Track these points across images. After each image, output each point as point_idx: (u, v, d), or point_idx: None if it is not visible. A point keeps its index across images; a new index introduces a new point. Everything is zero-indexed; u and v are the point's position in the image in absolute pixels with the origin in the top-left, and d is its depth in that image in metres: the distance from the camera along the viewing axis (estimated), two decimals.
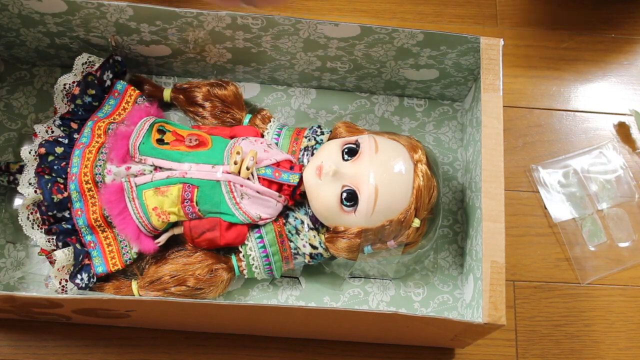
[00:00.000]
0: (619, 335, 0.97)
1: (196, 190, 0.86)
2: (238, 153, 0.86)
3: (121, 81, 0.93)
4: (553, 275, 0.99)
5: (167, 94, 0.97)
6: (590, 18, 1.12)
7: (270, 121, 0.95)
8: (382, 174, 0.84)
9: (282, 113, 1.01)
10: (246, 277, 0.90)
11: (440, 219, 0.92)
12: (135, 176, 0.87)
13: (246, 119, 0.95)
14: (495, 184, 0.83)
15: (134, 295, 0.88)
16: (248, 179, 0.86)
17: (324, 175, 0.85)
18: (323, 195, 0.86)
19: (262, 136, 0.93)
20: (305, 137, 0.93)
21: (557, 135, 1.03)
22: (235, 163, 0.85)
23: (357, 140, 0.87)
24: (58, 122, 0.90)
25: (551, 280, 0.98)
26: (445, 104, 1.02)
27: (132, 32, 0.91)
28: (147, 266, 0.90)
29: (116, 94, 0.93)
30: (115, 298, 0.77)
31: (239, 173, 0.86)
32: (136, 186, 0.86)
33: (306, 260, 0.90)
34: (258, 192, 0.87)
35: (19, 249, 0.92)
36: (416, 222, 0.86)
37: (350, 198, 0.85)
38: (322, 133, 0.93)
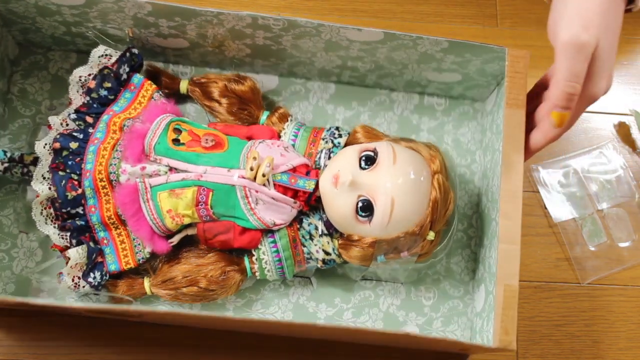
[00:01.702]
0: (619, 335, 0.97)
1: (211, 193, 0.86)
2: (254, 158, 0.85)
3: (138, 75, 0.92)
4: (553, 275, 0.99)
5: (183, 86, 0.95)
6: None
7: (287, 120, 0.93)
8: (399, 186, 0.83)
9: (300, 108, 0.99)
10: (258, 278, 0.90)
11: (455, 225, 0.91)
12: (150, 176, 0.86)
13: (263, 116, 0.94)
14: (514, 205, 0.82)
15: (145, 294, 0.89)
16: (264, 185, 0.85)
17: (340, 185, 0.84)
18: (338, 204, 0.85)
19: (279, 136, 0.92)
20: (323, 139, 0.91)
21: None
22: (252, 169, 0.84)
23: (375, 149, 0.86)
24: (73, 115, 0.89)
25: (551, 280, 0.99)
26: (466, 104, 1.00)
27: (150, 26, 0.89)
28: (159, 265, 0.90)
29: (132, 88, 0.91)
30: (129, 309, 0.78)
31: (254, 179, 0.85)
32: (151, 187, 0.86)
33: (319, 265, 0.90)
34: (273, 198, 0.86)
35: (31, 239, 0.92)
36: (431, 235, 0.86)
37: (366, 208, 0.84)
38: (340, 135, 0.91)
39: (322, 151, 0.90)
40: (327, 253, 0.89)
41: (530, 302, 0.97)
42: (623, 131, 1.06)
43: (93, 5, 0.85)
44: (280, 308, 0.93)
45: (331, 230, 0.89)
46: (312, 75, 0.98)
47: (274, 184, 0.86)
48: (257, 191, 0.85)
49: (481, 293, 0.90)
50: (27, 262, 0.92)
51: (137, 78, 0.91)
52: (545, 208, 1.01)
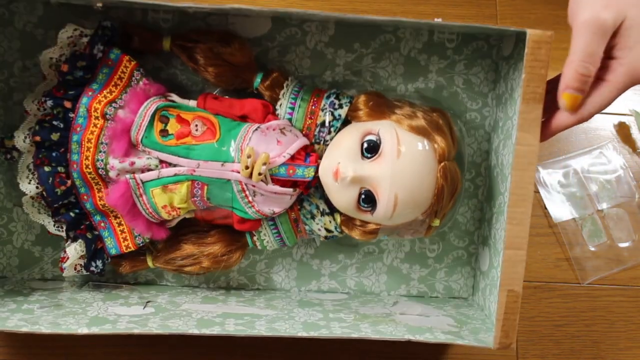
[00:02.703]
0: (619, 336, 0.99)
1: (206, 187, 0.82)
2: (249, 156, 0.79)
3: (114, 50, 0.82)
4: (553, 275, 0.98)
5: (166, 45, 0.85)
6: None
7: (283, 87, 0.85)
8: (403, 180, 0.79)
9: (297, 54, 0.89)
10: (259, 248, 0.89)
11: (463, 180, 0.88)
12: (141, 171, 0.82)
13: (257, 79, 0.85)
14: (523, 208, 0.79)
15: (149, 268, 0.89)
16: (261, 181, 0.81)
17: (340, 180, 0.80)
18: (339, 196, 0.82)
19: (275, 110, 0.85)
20: (322, 110, 0.84)
21: (557, 135, 0.94)
22: (247, 167, 0.80)
23: (378, 133, 0.80)
24: (50, 102, 0.82)
25: (551, 280, 0.98)
26: (480, 38, 0.90)
27: (123, 5, 0.78)
28: (160, 245, 0.89)
29: (110, 63, 0.82)
30: (134, 333, 0.78)
31: (250, 177, 0.81)
32: (142, 183, 0.82)
33: (321, 239, 0.88)
34: (272, 192, 0.82)
35: (27, 211, 0.90)
36: (436, 222, 0.83)
37: (368, 200, 0.81)
38: (341, 106, 0.84)
39: (321, 124, 0.84)
40: (329, 230, 0.87)
41: (530, 302, 0.97)
42: (623, 131, 1.01)
43: None
44: (284, 267, 0.93)
45: (333, 207, 0.86)
46: (309, 22, 0.88)
47: (272, 178, 0.82)
48: (254, 185, 0.81)
49: (485, 254, 0.89)
50: (27, 235, 0.91)
51: (114, 54, 0.82)
52: (545, 208, 0.99)
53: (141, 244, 0.87)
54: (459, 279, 0.94)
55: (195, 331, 0.79)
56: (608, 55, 0.73)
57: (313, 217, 0.86)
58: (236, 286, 0.94)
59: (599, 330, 0.99)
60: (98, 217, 0.86)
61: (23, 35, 0.87)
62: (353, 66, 0.90)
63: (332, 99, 0.84)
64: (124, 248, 0.87)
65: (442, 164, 0.81)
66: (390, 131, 0.80)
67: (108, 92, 0.82)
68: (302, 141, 0.83)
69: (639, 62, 0.72)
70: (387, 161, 0.79)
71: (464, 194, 0.93)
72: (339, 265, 0.94)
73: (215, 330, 0.79)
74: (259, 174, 0.79)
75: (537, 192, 1.00)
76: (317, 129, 0.84)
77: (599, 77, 0.74)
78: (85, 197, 0.84)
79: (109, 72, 0.82)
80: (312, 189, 0.86)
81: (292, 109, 0.84)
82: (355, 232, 0.85)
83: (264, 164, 0.79)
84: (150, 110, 0.81)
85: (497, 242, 0.84)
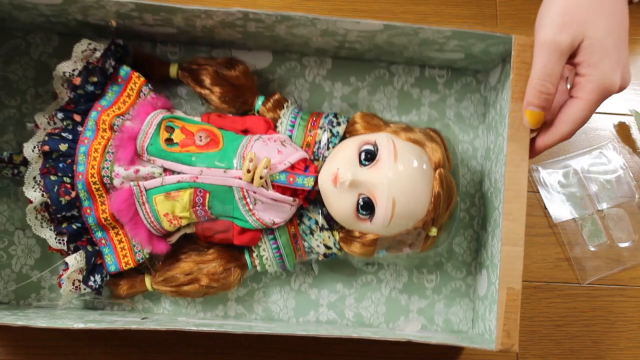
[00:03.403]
0: (619, 336, 0.98)
1: (208, 195, 0.83)
2: (251, 160, 0.82)
3: (124, 67, 0.87)
4: (553, 276, 0.99)
5: (173, 71, 0.90)
6: None
7: (283, 107, 0.89)
8: (401, 186, 0.81)
9: (296, 86, 0.95)
10: (259, 271, 0.90)
11: (458, 207, 0.90)
12: (145, 179, 0.84)
13: (259, 101, 0.90)
14: (518, 205, 0.81)
15: (147, 291, 0.88)
16: (262, 186, 0.83)
17: (339, 185, 0.82)
18: (338, 203, 0.83)
19: (275, 127, 0.89)
20: (321, 128, 0.88)
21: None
22: (248, 171, 0.82)
23: (375, 142, 0.83)
24: (60, 115, 0.85)
25: (551, 280, 0.99)
26: (468, 74, 0.96)
27: (135, 19, 0.84)
28: (160, 263, 0.89)
29: (119, 80, 0.87)
30: (131, 328, 0.77)
31: (251, 181, 0.83)
32: (146, 190, 0.83)
33: (320, 259, 0.89)
34: (272, 199, 0.84)
35: (28, 235, 0.91)
36: (433, 231, 0.84)
37: (367, 207, 0.82)
38: (339, 123, 0.88)
39: (320, 141, 0.87)
40: (328, 247, 0.88)
41: (530, 302, 0.97)
42: (623, 131, 1.03)
43: (72, 4, 0.80)
44: (282, 296, 0.93)
45: (332, 223, 0.87)
46: (307, 51, 0.94)
47: (272, 185, 0.84)
48: (255, 192, 0.83)
49: (484, 278, 0.89)
50: (27, 259, 0.91)
51: (124, 70, 0.87)
52: (545, 208, 1.00)
53: (140, 261, 0.87)
54: (458, 311, 0.94)
55: (192, 328, 0.78)
56: (577, 73, 0.77)
57: (312, 233, 0.87)
58: (234, 315, 0.92)
59: (599, 330, 0.98)
60: (99, 234, 0.86)
61: (38, 64, 0.92)
62: (349, 98, 0.95)
63: (330, 117, 0.88)
64: (124, 265, 0.87)
65: (438, 170, 0.83)
66: (387, 140, 0.83)
67: (117, 107, 0.86)
68: (301, 154, 0.86)
69: (605, 77, 0.75)
70: (384, 166, 0.82)
71: (459, 224, 0.94)
72: (337, 295, 0.93)
73: (213, 328, 0.78)
74: (260, 177, 0.82)
75: (537, 192, 1.00)
76: (316, 146, 0.87)
77: (573, 94, 0.77)
78: (88, 210, 0.85)
79: (119, 89, 0.87)
80: (310, 206, 0.87)
81: (292, 126, 0.88)
82: (355, 246, 0.86)
83: (265, 167, 0.82)
84: (157, 119, 0.85)
85: (494, 257, 0.85)
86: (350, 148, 0.84)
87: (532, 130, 0.81)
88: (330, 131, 0.87)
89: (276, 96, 0.90)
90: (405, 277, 0.94)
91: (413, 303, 0.94)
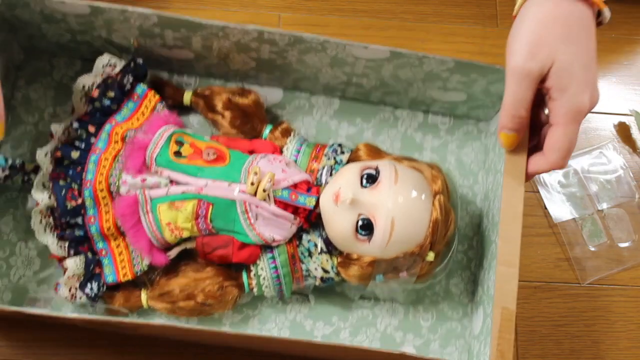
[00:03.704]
0: (620, 336, 0.97)
1: (211, 207, 0.85)
2: (256, 173, 0.84)
3: (141, 84, 0.91)
4: (553, 276, 0.99)
5: (187, 98, 0.94)
6: None
7: (290, 135, 0.93)
8: (400, 206, 0.83)
9: (304, 123, 0.98)
10: (255, 294, 0.90)
11: (456, 247, 0.90)
12: (150, 188, 0.86)
13: (266, 129, 0.93)
14: (514, 226, 0.82)
15: (142, 307, 0.88)
16: (264, 200, 0.85)
17: (340, 203, 0.83)
18: (338, 222, 0.84)
19: (281, 152, 0.92)
20: (325, 156, 0.91)
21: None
22: (252, 184, 0.84)
23: (377, 167, 0.86)
24: (75, 124, 0.89)
25: (551, 280, 0.99)
26: (470, 123, 1.00)
27: (156, 37, 0.89)
28: (157, 278, 0.89)
29: (135, 98, 0.91)
30: (124, 321, 0.77)
31: (255, 194, 0.85)
32: (151, 199, 0.85)
33: (317, 283, 0.89)
34: (273, 214, 0.85)
35: (30, 247, 0.92)
36: (430, 256, 0.85)
37: (366, 227, 0.83)
38: (343, 152, 0.91)
39: (323, 168, 0.90)
40: (325, 271, 0.88)
41: (530, 302, 0.97)
42: (623, 131, 1.06)
43: (99, 15, 0.85)
44: (277, 325, 0.92)
45: (330, 247, 0.88)
46: (316, 90, 0.98)
47: (275, 200, 0.86)
48: (257, 206, 0.85)
49: (479, 315, 0.89)
50: (25, 270, 0.91)
51: (141, 88, 0.91)
52: (545, 208, 1.02)
53: (139, 273, 0.88)
54: (453, 352, 0.93)
55: (186, 325, 0.77)
56: (549, 97, 0.78)
57: (310, 255, 0.88)
58: None
59: (599, 330, 0.97)
60: (100, 244, 0.87)
61: (59, 86, 0.96)
62: (354, 138, 0.98)
63: (335, 147, 0.91)
64: (122, 276, 0.87)
65: (438, 197, 0.85)
66: (388, 165, 0.86)
67: (130, 123, 0.89)
68: (305, 176, 0.88)
69: (574, 100, 0.77)
70: (384, 188, 0.84)
71: (457, 265, 0.95)
72: (332, 328, 0.93)
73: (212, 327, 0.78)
74: (264, 190, 0.84)
75: (537, 192, 1.02)
76: (320, 172, 0.90)
77: (550, 122, 0.79)
78: (92, 219, 0.86)
79: (134, 106, 0.91)
80: (310, 229, 0.89)
81: (298, 152, 0.91)
82: (352, 269, 0.86)
83: (269, 181, 0.84)
84: (167, 132, 0.88)
85: (490, 289, 0.85)
86: (352, 171, 0.86)
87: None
88: (334, 159, 0.90)
89: (284, 125, 0.94)
90: (401, 314, 0.94)
91: (408, 341, 0.93)
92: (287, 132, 0.93)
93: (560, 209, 1.02)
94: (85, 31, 0.90)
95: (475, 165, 0.99)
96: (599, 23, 0.81)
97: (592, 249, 1.00)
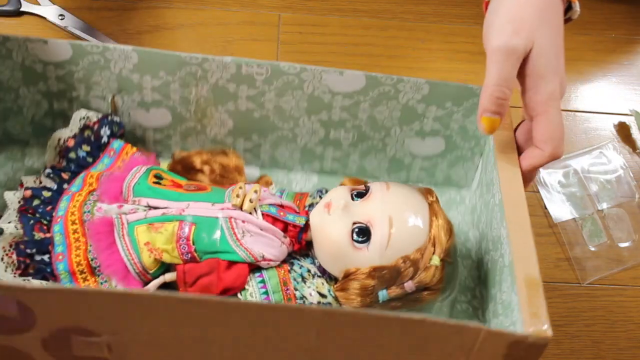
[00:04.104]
0: (619, 336, 0.92)
1: (193, 227, 0.79)
2: (240, 187, 0.80)
3: (118, 140, 0.90)
4: (553, 275, 0.95)
5: (164, 166, 0.92)
6: (590, 18, 1.16)
7: (271, 184, 0.91)
8: (396, 206, 0.79)
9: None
10: None
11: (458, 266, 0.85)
12: (127, 214, 0.80)
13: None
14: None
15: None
16: (251, 213, 0.80)
17: (333, 209, 0.79)
18: (332, 232, 0.79)
19: None
20: (310, 196, 0.88)
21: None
22: (238, 196, 0.80)
23: (366, 184, 0.83)
24: (48, 171, 0.85)
25: (551, 280, 0.94)
26: (452, 191, 0.99)
27: (134, 90, 0.90)
28: None
29: (112, 153, 0.89)
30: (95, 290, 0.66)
31: (241, 208, 0.80)
32: (128, 223, 0.79)
33: None
34: (261, 228, 0.80)
35: None
36: (435, 260, 0.79)
37: (362, 233, 0.78)
38: (327, 191, 0.88)
39: (310, 205, 0.86)
40: (322, 295, 0.80)
41: None
42: (623, 131, 1.07)
43: (79, 60, 0.87)
44: None
45: (325, 275, 0.81)
46: (294, 161, 0.97)
47: (262, 215, 0.80)
48: (244, 221, 0.80)
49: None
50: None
51: (118, 143, 0.89)
52: (545, 208, 0.99)
53: None
54: None
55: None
56: (524, 89, 0.79)
57: (304, 281, 0.80)
58: None
59: (599, 330, 0.91)
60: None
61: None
62: None
63: (319, 189, 0.89)
64: None
65: (433, 204, 0.82)
66: (377, 182, 0.83)
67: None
68: (293, 205, 0.84)
69: (551, 89, 0.77)
70: (377, 196, 0.81)
71: (463, 315, 0.87)
72: None
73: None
74: (250, 200, 0.79)
75: (537, 192, 0.98)
76: (305, 209, 0.86)
77: (530, 114, 0.79)
78: (60, 257, 0.79)
79: (110, 161, 0.88)
80: (301, 257, 0.82)
81: (281, 194, 0.88)
82: (352, 287, 0.78)
83: (255, 192, 0.80)
84: (146, 166, 0.85)
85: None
86: (341, 189, 0.83)
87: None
88: (320, 197, 0.87)
89: (265, 177, 0.92)
90: None
91: None
92: (267, 184, 0.91)
93: (560, 209, 1.00)
94: (64, 93, 0.91)
95: (463, 225, 0.96)
96: (568, 19, 0.84)
97: (592, 249, 0.98)
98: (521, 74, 0.78)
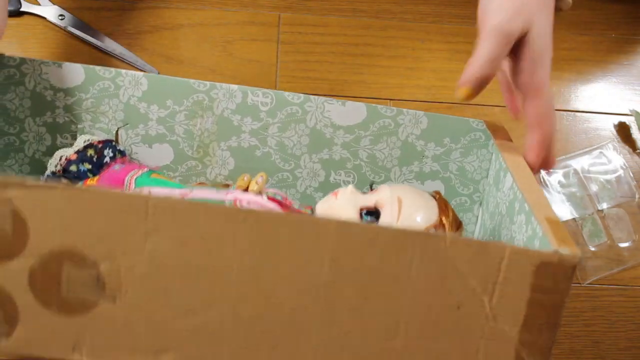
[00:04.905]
0: (619, 336, 0.94)
1: None
2: (246, 176, 0.82)
3: (119, 163, 0.89)
4: None
5: None
6: (590, 18, 1.16)
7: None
8: (405, 191, 0.82)
9: None
10: None
11: None
12: None
13: None
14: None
15: None
16: (256, 195, 0.81)
17: (341, 194, 0.82)
18: (340, 214, 0.81)
19: None
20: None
21: (557, 135, 1.03)
22: (244, 180, 0.82)
23: (371, 184, 0.89)
24: (48, 173, 0.88)
25: None
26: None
27: (139, 122, 0.91)
28: None
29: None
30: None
31: (246, 189, 0.81)
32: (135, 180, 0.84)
33: None
34: (265, 208, 0.80)
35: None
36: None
37: (371, 214, 0.81)
38: None
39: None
40: None
41: None
42: (623, 131, 1.07)
43: (90, 86, 0.88)
44: None
45: None
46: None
47: (268, 198, 0.81)
48: (248, 202, 0.80)
49: None
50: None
51: (118, 166, 0.90)
52: None
53: None
54: None
55: None
56: (519, 70, 0.78)
57: None
58: None
59: (599, 330, 0.93)
60: None
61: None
62: None
63: None
64: None
65: (439, 197, 0.83)
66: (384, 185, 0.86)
67: None
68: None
69: (545, 73, 0.77)
70: (384, 187, 0.83)
71: None
72: None
73: None
74: (257, 183, 0.81)
75: None
76: None
77: (528, 94, 0.78)
78: None
79: None
80: None
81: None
82: None
83: (261, 176, 0.81)
84: (147, 168, 0.87)
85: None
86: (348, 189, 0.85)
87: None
88: None
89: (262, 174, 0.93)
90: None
91: None
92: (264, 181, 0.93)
93: (560, 209, 1.02)
94: (69, 125, 0.91)
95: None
96: (559, 9, 0.84)
97: (592, 249, 1.00)
98: (516, 55, 0.78)
